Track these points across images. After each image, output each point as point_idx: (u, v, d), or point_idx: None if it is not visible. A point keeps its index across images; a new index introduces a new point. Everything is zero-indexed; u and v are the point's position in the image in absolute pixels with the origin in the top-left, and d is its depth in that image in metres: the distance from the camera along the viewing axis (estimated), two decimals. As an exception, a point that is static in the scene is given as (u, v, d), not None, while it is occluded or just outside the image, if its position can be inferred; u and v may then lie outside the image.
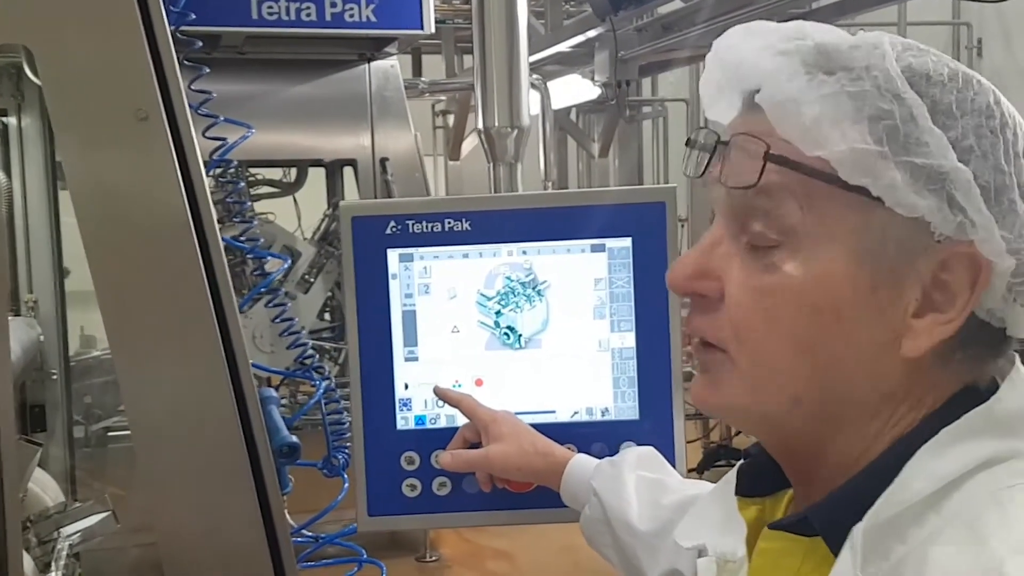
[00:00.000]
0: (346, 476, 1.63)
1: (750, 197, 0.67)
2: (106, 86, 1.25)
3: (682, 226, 7.34)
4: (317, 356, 1.89)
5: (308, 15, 4.08)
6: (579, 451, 1.21)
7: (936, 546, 0.62)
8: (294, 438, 1.45)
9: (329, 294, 4.51)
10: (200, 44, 1.67)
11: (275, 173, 4.97)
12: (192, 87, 1.61)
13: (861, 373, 0.67)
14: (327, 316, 4.60)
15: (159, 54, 1.30)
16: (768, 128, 0.67)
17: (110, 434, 3.58)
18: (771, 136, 0.67)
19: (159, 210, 1.30)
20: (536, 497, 1.23)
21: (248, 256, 2.37)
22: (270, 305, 1.89)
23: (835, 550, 0.67)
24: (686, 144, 0.74)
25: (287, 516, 1.42)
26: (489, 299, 1.23)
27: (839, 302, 0.66)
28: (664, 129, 8.64)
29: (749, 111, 0.70)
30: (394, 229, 1.22)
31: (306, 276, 4.45)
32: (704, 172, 0.71)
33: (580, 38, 5.49)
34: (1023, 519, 0.62)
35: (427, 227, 1.22)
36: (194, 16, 1.67)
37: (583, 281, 1.23)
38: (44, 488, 1.86)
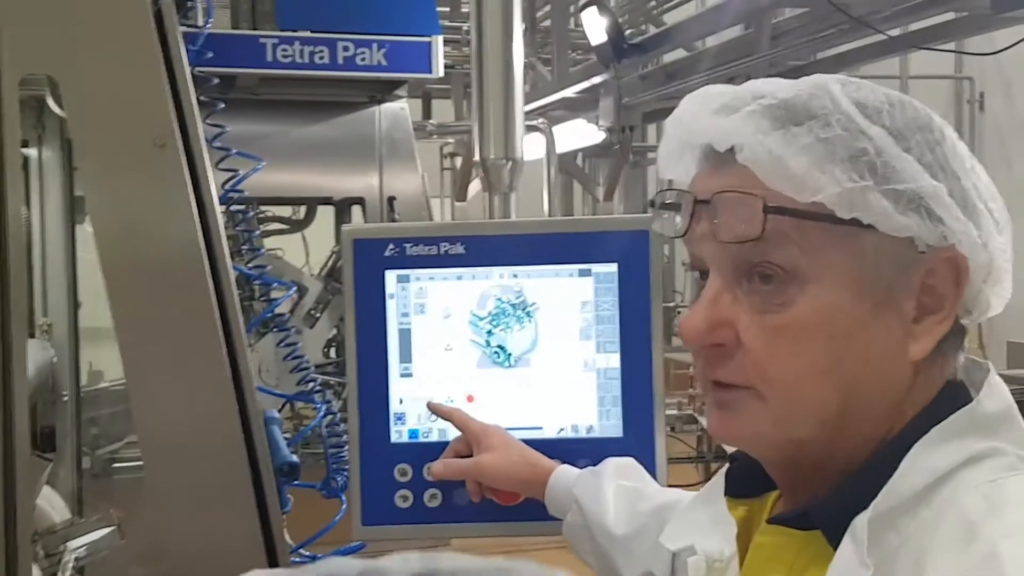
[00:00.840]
0: (344, 498, 1.68)
1: (749, 247, 0.73)
2: (126, 114, 1.33)
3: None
4: (320, 380, 1.95)
5: (321, 58, 4.18)
6: (565, 465, 1.26)
7: (932, 538, 0.68)
8: (295, 457, 1.51)
9: (335, 330, 4.57)
10: (217, 81, 1.76)
11: (285, 211, 5.06)
12: (207, 122, 1.69)
13: (879, 384, 0.74)
14: (332, 353, 4.65)
15: (177, 86, 1.38)
16: (752, 181, 0.73)
17: (115, 464, 3.63)
18: (758, 188, 0.73)
19: (174, 234, 1.37)
20: (523, 510, 1.28)
21: (256, 284, 2.44)
22: (275, 330, 1.96)
23: (834, 543, 0.72)
24: (651, 204, 0.82)
25: (286, 536, 1.47)
26: (481, 319, 1.30)
27: (850, 326, 0.72)
28: (668, 184, 8.70)
29: (719, 168, 0.76)
30: (393, 251, 1.29)
31: (312, 311, 4.52)
32: (687, 231, 0.76)
33: (585, 84, 5.62)
34: (1009, 507, 0.68)
35: (424, 250, 1.29)
36: (212, 55, 1.77)
37: (570, 304, 1.30)
38: (52, 505, 1.90)
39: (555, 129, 5.53)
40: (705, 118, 0.76)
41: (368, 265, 1.30)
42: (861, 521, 0.70)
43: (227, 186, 1.77)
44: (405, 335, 1.30)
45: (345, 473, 1.68)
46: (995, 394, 0.75)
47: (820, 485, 0.76)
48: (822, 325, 0.72)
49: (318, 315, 4.53)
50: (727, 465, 0.87)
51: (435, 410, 1.29)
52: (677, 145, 0.80)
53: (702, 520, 0.86)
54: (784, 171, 0.72)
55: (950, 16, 4.51)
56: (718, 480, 0.87)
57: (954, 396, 0.75)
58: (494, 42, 1.56)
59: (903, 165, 0.72)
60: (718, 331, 0.75)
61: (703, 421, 5.26)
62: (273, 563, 1.40)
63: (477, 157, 1.64)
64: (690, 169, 0.80)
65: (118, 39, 1.32)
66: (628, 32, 5.51)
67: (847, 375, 0.73)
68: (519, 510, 1.29)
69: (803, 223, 0.72)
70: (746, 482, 0.84)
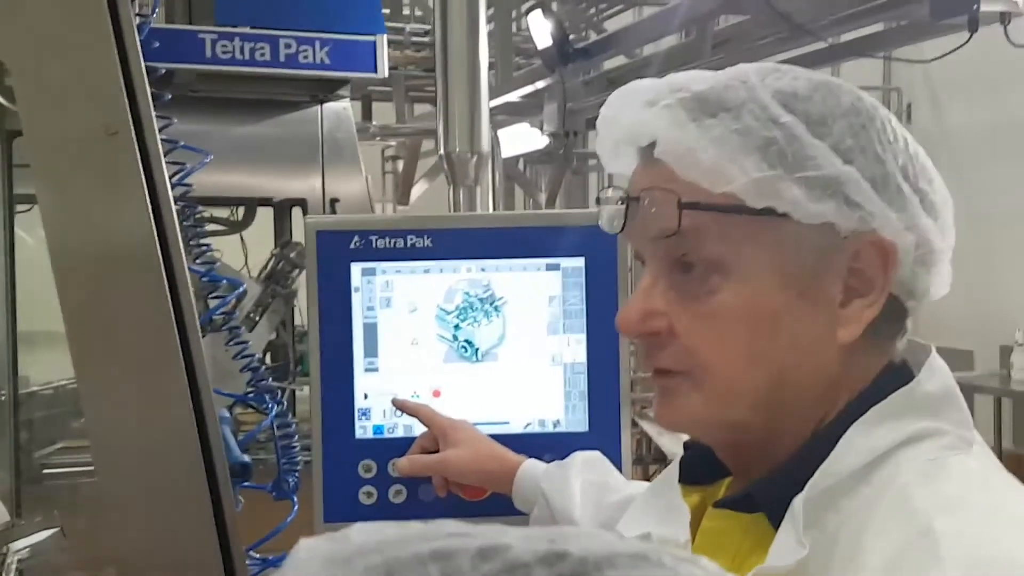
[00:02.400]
0: (295, 499, 1.65)
1: (674, 241, 0.75)
2: (77, 99, 1.29)
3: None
4: (269, 379, 1.91)
5: (262, 55, 4.10)
6: (531, 461, 1.26)
7: (870, 517, 0.69)
8: (246, 457, 1.47)
9: (274, 334, 4.50)
10: (163, 71, 1.71)
11: (223, 212, 4.97)
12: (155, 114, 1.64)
13: (808, 368, 0.75)
14: (269, 359, 4.57)
15: (130, 73, 1.34)
16: (671, 175, 0.74)
17: (45, 471, 3.53)
18: (676, 182, 0.74)
19: (126, 226, 1.32)
20: (490, 505, 1.27)
21: (202, 281, 2.38)
22: (222, 329, 1.91)
23: (776, 525, 0.73)
24: (596, 202, 0.83)
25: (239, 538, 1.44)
26: (448, 313, 1.28)
27: (775, 312, 0.74)
28: (609, 182, 8.80)
29: (647, 164, 0.77)
30: (358, 244, 1.27)
31: (251, 315, 4.43)
32: (624, 227, 0.78)
33: (529, 88, 5.63)
34: (946, 484, 0.69)
35: (390, 243, 1.27)
36: (157, 44, 1.72)
37: (538, 298, 1.29)
38: (-10, 508, 1.84)
39: (499, 132, 5.53)
40: (627, 114, 0.78)
41: (332, 257, 1.27)
42: (798, 501, 0.71)
43: (174, 179, 1.72)
44: (370, 329, 1.28)
45: (296, 474, 1.64)
46: (935, 375, 0.76)
47: (765, 468, 0.77)
48: (746, 313, 0.74)
49: (257, 318, 4.45)
50: (682, 453, 0.88)
51: (401, 406, 1.28)
52: (610, 142, 0.82)
53: (658, 508, 0.87)
54: (696, 163, 0.73)
55: (880, 27, 4.62)
56: (673, 468, 0.88)
57: (895, 377, 0.76)
58: (459, 32, 1.55)
59: (815, 152, 0.72)
60: (651, 321, 0.77)
61: (643, 424, 5.30)
62: (228, 565, 1.36)
63: (442, 151, 1.62)
64: (629, 164, 0.81)
65: (70, 21, 1.27)
66: (571, 38, 5.54)
67: (775, 360, 0.74)
68: (485, 505, 1.27)
69: (722, 216, 0.73)
70: (699, 469, 0.85)
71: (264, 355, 4.49)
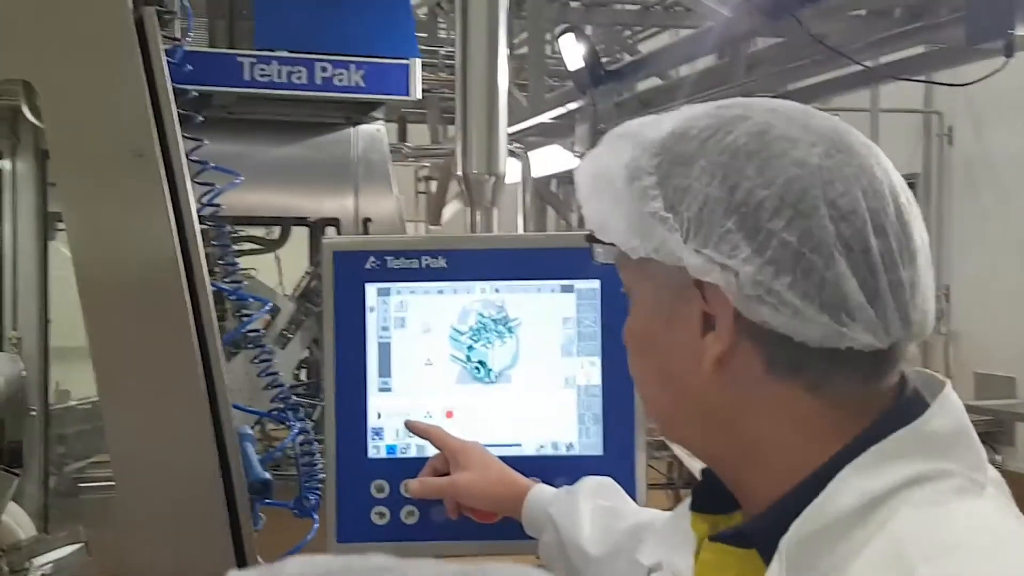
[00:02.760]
0: (316, 517, 1.66)
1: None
2: (105, 121, 1.31)
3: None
4: (292, 399, 1.93)
5: (299, 78, 4.16)
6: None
7: (860, 556, 0.67)
8: (267, 475, 1.48)
9: (307, 352, 4.53)
10: (196, 94, 1.75)
11: (259, 231, 5.03)
12: (184, 135, 1.67)
13: (688, 395, 0.79)
14: (303, 375, 4.61)
15: (157, 95, 1.36)
16: None
17: (80, 484, 3.58)
18: None
19: (150, 246, 1.34)
20: (501, 528, 1.27)
21: (231, 300, 2.41)
22: (249, 347, 1.93)
23: (768, 562, 0.72)
24: (578, 226, 0.89)
25: (256, 554, 1.45)
26: (462, 334, 1.29)
27: (654, 338, 0.81)
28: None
29: None
30: (373, 264, 1.28)
31: (284, 332, 4.48)
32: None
33: (561, 110, 5.65)
34: (940, 530, 0.67)
35: (405, 263, 1.28)
36: (191, 68, 1.75)
37: (552, 320, 1.29)
38: (18, 522, 1.86)
39: (531, 154, 5.55)
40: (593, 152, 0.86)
41: (348, 278, 1.28)
42: (783, 542, 0.70)
43: (204, 199, 1.75)
44: (384, 349, 1.29)
45: (318, 492, 1.65)
46: (946, 413, 0.73)
47: (762, 503, 0.76)
48: (634, 340, 0.83)
49: (290, 336, 4.49)
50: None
51: (413, 428, 1.28)
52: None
53: (672, 535, 0.88)
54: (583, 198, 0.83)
55: (920, 50, 4.58)
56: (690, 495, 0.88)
57: (902, 414, 0.73)
58: (479, 56, 1.57)
59: (629, 194, 0.77)
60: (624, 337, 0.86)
61: (674, 447, 5.26)
62: (244, 582, 1.37)
63: (459, 172, 1.64)
64: None
65: (98, 45, 1.30)
66: (604, 60, 5.56)
67: (666, 378, 0.80)
68: (496, 528, 1.27)
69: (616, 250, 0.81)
70: (712, 497, 0.84)
71: (298, 372, 4.53)
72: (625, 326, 0.84)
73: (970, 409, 0.75)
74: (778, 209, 0.71)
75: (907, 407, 0.74)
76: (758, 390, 0.75)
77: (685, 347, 0.77)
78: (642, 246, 0.77)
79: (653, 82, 5.95)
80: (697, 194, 0.74)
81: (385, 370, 1.29)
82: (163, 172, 1.34)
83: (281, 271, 4.81)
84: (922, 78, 4.44)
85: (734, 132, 0.74)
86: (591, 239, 0.83)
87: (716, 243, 0.73)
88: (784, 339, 0.73)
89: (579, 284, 1.29)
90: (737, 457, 0.78)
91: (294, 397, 1.94)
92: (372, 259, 1.28)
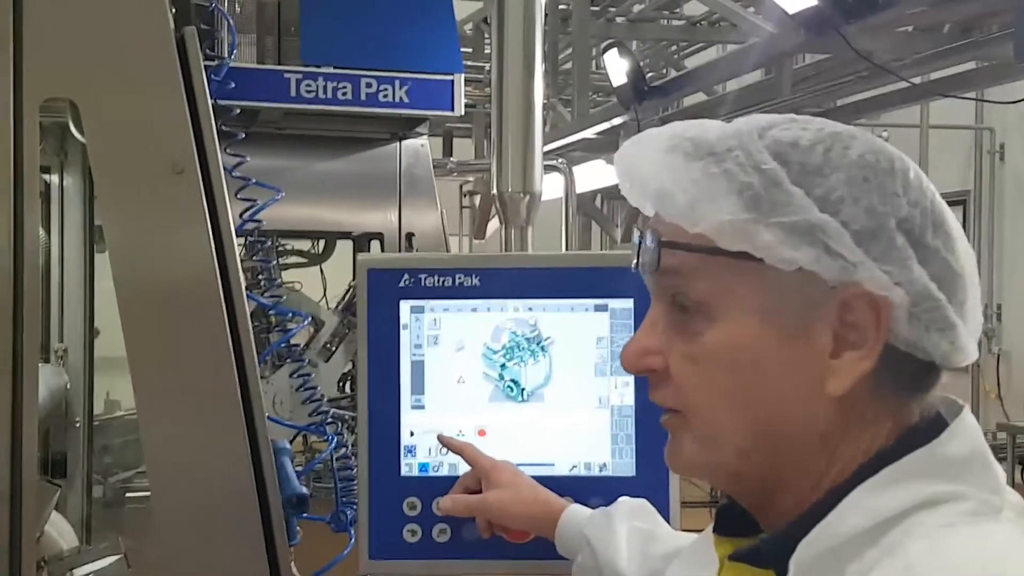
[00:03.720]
0: (352, 532, 1.67)
1: (665, 279, 0.77)
2: (146, 139, 1.33)
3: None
4: (331, 413, 1.94)
5: (344, 94, 4.21)
6: (576, 504, 1.24)
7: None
8: (304, 489, 1.49)
9: (350, 364, 4.56)
10: (238, 111, 1.77)
11: (304, 244, 5.08)
12: (227, 151, 1.70)
13: (795, 418, 0.74)
14: (347, 387, 4.64)
15: (197, 113, 1.38)
16: (660, 217, 0.77)
17: (127, 494, 3.63)
18: (665, 224, 0.76)
19: (188, 261, 1.36)
20: (533, 548, 1.26)
21: (272, 314, 2.44)
22: (289, 361, 1.95)
23: None
24: (621, 241, 0.85)
25: (293, 568, 1.45)
26: (495, 352, 1.29)
27: (756, 358, 0.73)
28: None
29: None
30: (407, 282, 1.29)
31: (328, 345, 4.51)
32: (638, 264, 0.80)
33: (605, 125, 5.64)
34: (952, 550, 0.67)
35: (439, 281, 1.28)
36: (234, 85, 1.78)
37: (586, 339, 1.29)
38: (61, 532, 1.89)
39: (574, 169, 5.55)
40: (629, 158, 0.80)
41: (382, 295, 1.29)
42: (792, 562, 0.70)
43: (245, 215, 1.77)
44: (418, 366, 1.29)
45: (355, 506, 1.66)
46: (961, 436, 0.73)
47: (781, 523, 0.75)
48: (729, 356, 0.74)
49: (334, 349, 4.52)
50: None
51: (446, 443, 1.28)
52: (626, 189, 0.83)
53: (698, 558, 0.87)
54: (672, 203, 0.75)
55: (971, 65, 4.51)
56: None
57: (917, 438, 0.73)
58: (515, 73, 1.57)
59: (790, 199, 0.72)
60: (648, 358, 0.78)
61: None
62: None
63: (494, 190, 1.64)
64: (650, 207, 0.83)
65: (139, 65, 1.33)
66: (649, 75, 5.55)
67: (761, 406, 0.74)
68: (529, 548, 1.26)
69: (708, 257, 0.74)
70: (737, 520, 0.83)
71: (341, 384, 4.56)
72: (694, 341, 0.75)
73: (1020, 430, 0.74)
74: (935, 227, 0.73)
75: (926, 428, 0.74)
76: (855, 412, 0.74)
77: (803, 366, 0.73)
78: (801, 256, 0.71)
79: (698, 97, 5.92)
80: (859, 207, 0.72)
81: (418, 387, 1.29)
82: (202, 188, 1.36)
83: (325, 284, 4.85)
84: (971, 95, 4.37)
85: (851, 147, 0.74)
86: (668, 244, 0.75)
87: (892, 258, 0.72)
88: (905, 357, 0.73)
89: (613, 303, 1.28)
90: (775, 481, 0.76)
91: (333, 410, 1.96)
92: (406, 277, 1.28)
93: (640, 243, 0.79)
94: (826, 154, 0.74)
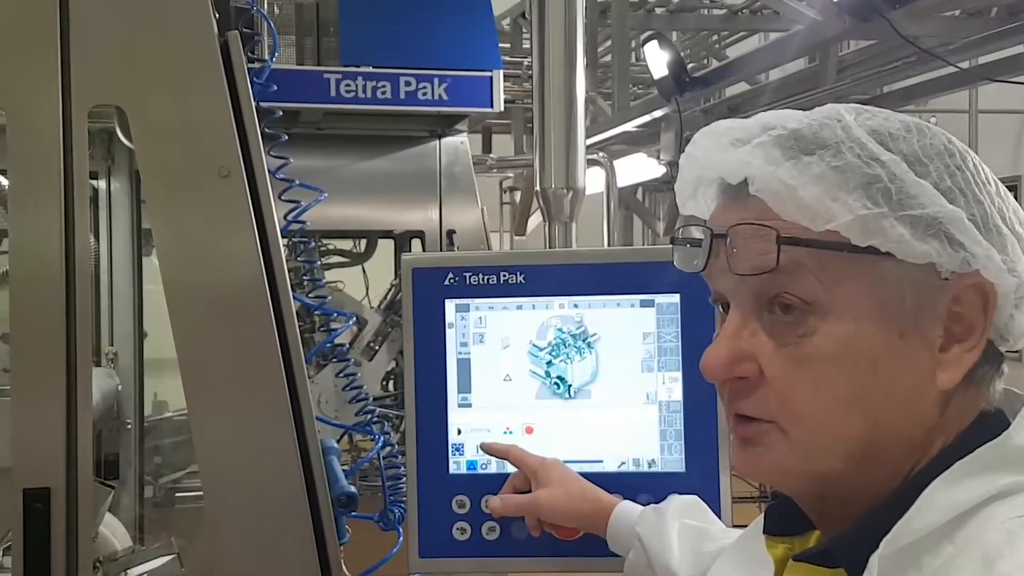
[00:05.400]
0: (401, 530, 1.67)
1: (767, 279, 0.72)
2: (192, 144, 1.35)
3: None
4: (377, 412, 1.95)
5: (383, 93, 4.23)
6: (625, 501, 1.24)
7: (949, 571, 0.66)
8: (352, 488, 1.50)
9: (393, 363, 4.58)
10: (280, 113, 1.78)
11: (346, 244, 5.12)
12: (270, 153, 1.71)
13: (906, 415, 0.72)
14: (391, 386, 4.67)
15: (241, 117, 1.39)
16: (764, 212, 0.72)
17: (177, 493, 3.68)
18: (772, 219, 0.72)
19: (236, 264, 1.37)
20: (583, 545, 1.26)
21: (317, 315, 2.46)
22: (334, 360, 1.96)
23: None
24: (672, 242, 0.81)
25: (343, 567, 1.46)
26: (541, 349, 1.28)
27: (874, 355, 0.70)
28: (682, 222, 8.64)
29: (735, 201, 0.75)
30: (452, 280, 1.28)
31: (371, 344, 4.54)
32: (707, 265, 0.76)
33: (646, 118, 5.60)
34: None
35: (483, 279, 1.28)
36: (276, 88, 1.79)
37: (632, 335, 1.28)
38: (114, 532, 1.92)
39: (615, 163, 5.52)
40: (716, 153, 0.76)
41: (427, 294, 1.29)
42: (873, 560, 0.68)
43: (289, 217, 1.78)
44: (464, 365, 1.29)
45: (402, 505, 1.66)
46: None
47: (847, 521, 0.74)
48: (844, 356, 0.70)
49: (377, 348, 4.55)
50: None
51: (489, 450, 1.28)
52: (692, 181, 0.80)
53: (745, 558, 0.86)
54: (796, 201, 0.71)
55: (1020, 49, 4.41)
56: (761, 518, 0.85)
57: (987, 428, 0.72)
58: (556, 69, 1.57)
59: (919, 191, 0.70)
60: (740, 365, 0.73)
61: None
62: (331, 595, 1.39)
63: (538, 187, 1.64)
64: (708, 204, 0.79)
65: (185, 71, 1.34)
66: (690, 66, 5.50)
67: (873, 407, 0.71)
68: (578, 545, 1.26)
69: (820, 253, 0.70)
70: (786, 519, 0.82)
71: (385, 383, 4.59)
72: (802, 343, 0.71)
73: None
74: (1015, 215, 0.74)
75: (991, 421, 0.73)
76: (953, 405, 0.73)
77: (917, 362, 0.71)
78: (930, 249, 0.69)
79: (741, 87, 5.85)
80: (967, 197, 0.72)
81: (465, 386, 1.29)
82: (248, 191, 1.37)
83: (368, 284, 4.88)
84: (1021, 79, 4.27)
85: (932, 136, 0.74)
86: (791, 241, 0.70)
87: (1002, 246, 0.72)
88: (990, 345, 0.74)
89: (659, 298, 1.27)
90: (865, 482, 0.73)
91: (379, 409, 1.96)
92: (451, 275, 1.28)
93: (711, 243, 0.75)
94: (919, 143, 0.73)
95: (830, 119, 0.73)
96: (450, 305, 1.29)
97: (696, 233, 0.77)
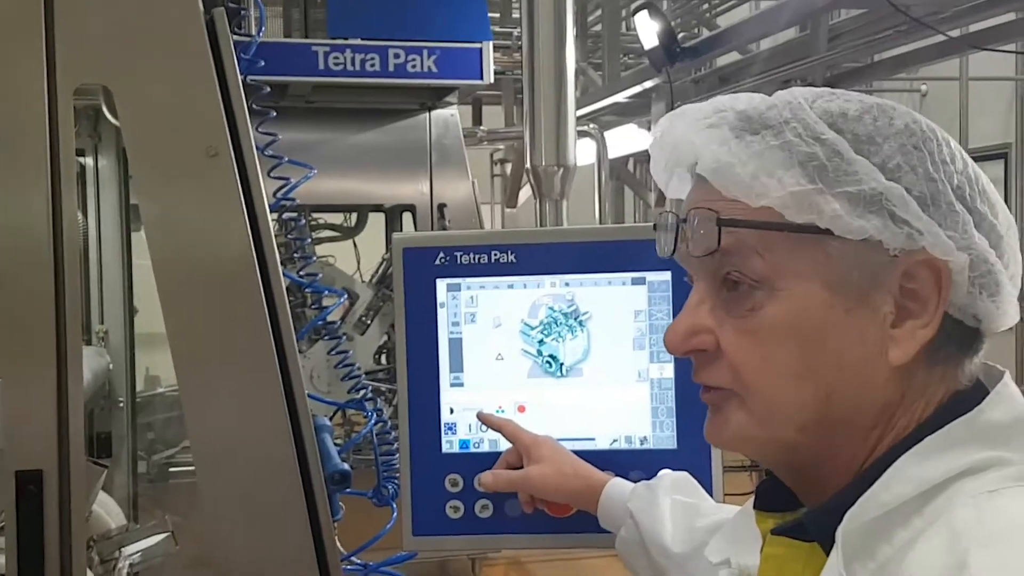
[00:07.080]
0: (395, 506, 1.68)
1: (718, 259, 0.75)
2: (179, 123, 1.34)
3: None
4: (370, 388, 1.95)
5: (372, 65, 4.21)
6: (617, 478, 1.24)
7: (917, 544, 0.67)
8: (345, 466, 1.50)
9: (385, 337, 4.59)
10: (268, 90, 1.77)
11: (336, 218, 5.10)
12: (259, 130, 1.70)
13: (857, 389, 0.73)
14: (383, 359, 4.67)
15: (229, 95, 1.38)
16: (715, 194, 0.75)
17: (171, 469, 3.69)
18: (718, 200, 0.75)
19: (225, 242, 1.37)
20: (575, 522, 1.26)
21: (307, 291, 2.45)
22: (326, 337, 1.96)
23: (829, 553, 0.72)
24: (653, 228, 0.83)
25: (337, 542, 1.47)
26: (532, 328, 1.28)
27: (821, 330, 0.73)
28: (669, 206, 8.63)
29: (699, 184, 0.78)
30: (443, 260, 1.28)
31: (363, 318, 4.54)
32: (675, 250, 0.79)
33: (637, 89, 5.58)
34: (997, 517, 0.66)
35: (474, 258, 1.28)
36: (263, 63, 1.77)
37: (623, 313, 1.28)
38: (108, 511, 1.92)
39: (606, 134, 5.50)
40: (674, 136, 0.79)
41: (419, 274, 1.29)
42: (839, 532, 0.70)
43: (279, 194, 1.77)
44: (456, 344, 1.29)
45: (396, 481, 1.67)
46: (1004, 402, 0.73)
47: (824, 496, 0.75)
48: (791, 329, 0.73)
49: (369, 322, 4.55)
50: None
51: (485, 420, 1.28)
52: (662, 164, 0.82)
53: (739, 533, 0.88)
54: (733, 178, 0.73)
55: (1011, 17, 4.40)
56: None
57: (960, 405, 0.73)
58: (546, 48, 1.55)
59: (856, 167, 0.72)
60: (697, 337, 0.77)
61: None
62: (324, 571, 1.39)
63: (528, 164, 1.63)
64: (684, 184, 0.82)
65: (170, 49, 1.32)
66: (681, 36, 5.47)
67: (823, 378, 0.73)
68: (571, 522, 1.27)
69: (765, 233, 0.73)
70: (778, 496, 0.83)
71: (378, 356, 4.59)
72: (751, 316, 0.74)
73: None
74: (981, 194, 0.74)
75: (966, 399, 0.74)
76: (912, 381, 0.74)
77: (866, 336, 0.72)
78: (868, 225, 0.71)
79: (732, 57, 5.83)
80: (917, 174, 0.72)
81: (457, 365, 1.29)
82: (236, 170, 1.36)
83: (359, 257, 4.87)
84: (1011, 47, 4.26)
85: (895, 117, 0.74)
86: (729, 222, 0.73)
87: (952, 223, 0.72)
88: (956, 324, 0.74)
89: (650, 276, 1.27)
90: (828, 454, 0.75)
91: (371, 385, 1.97)
92: (442, 255, 1.28)
93: (677, 227, 0.78)
94: (875, 123, 0.74)
95: (781, 101, 0.75)
96: (441, 284, 1.28)
97: (671, 219, 0.80)
